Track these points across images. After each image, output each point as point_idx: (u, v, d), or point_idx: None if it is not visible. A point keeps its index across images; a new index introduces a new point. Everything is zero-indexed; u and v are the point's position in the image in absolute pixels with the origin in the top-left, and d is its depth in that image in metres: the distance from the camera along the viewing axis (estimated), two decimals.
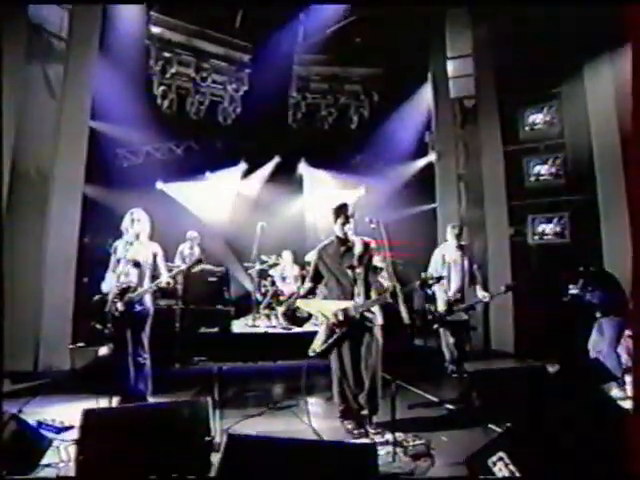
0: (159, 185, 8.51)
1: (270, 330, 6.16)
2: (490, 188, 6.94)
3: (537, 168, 7.16)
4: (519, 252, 7.02)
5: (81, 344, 5.08)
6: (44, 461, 2.37)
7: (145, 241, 3.65)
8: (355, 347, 3.12)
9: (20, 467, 2.18)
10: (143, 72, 7.18)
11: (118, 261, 3.50)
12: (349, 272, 3.15)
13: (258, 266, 6.80)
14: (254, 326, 6.38)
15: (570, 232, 6.84)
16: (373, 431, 2.96)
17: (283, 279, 6.90)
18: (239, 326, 6.57)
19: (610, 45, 6.32)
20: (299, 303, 3.40)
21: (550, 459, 2.03)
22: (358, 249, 3.23)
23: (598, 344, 4.81)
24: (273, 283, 6.89)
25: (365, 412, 3.06)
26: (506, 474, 2.04)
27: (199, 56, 7.41)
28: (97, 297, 3.50)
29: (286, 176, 9.18)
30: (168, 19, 7.00)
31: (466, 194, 7.15)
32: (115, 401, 3.37)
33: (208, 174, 9.15)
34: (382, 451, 2.54)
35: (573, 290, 4.94)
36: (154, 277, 3.57)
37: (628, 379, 4.87)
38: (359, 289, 3.12)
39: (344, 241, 3.24)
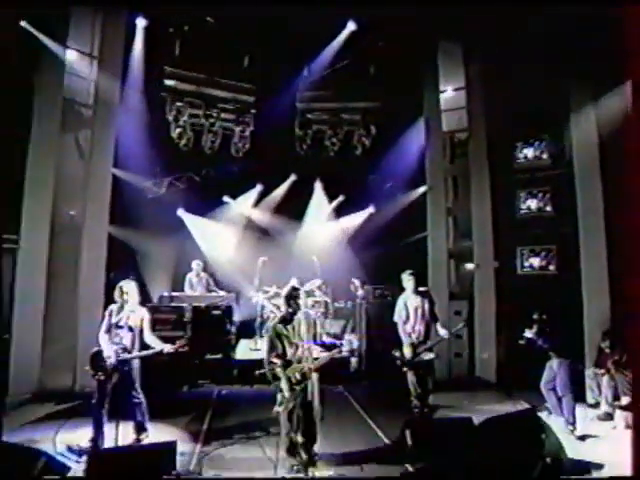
0: (180, 212, 9.72)
1: None
2: (478, 222, 7.45)
3: (527, 201, 7.57)
4: (507, 283, 7.54)
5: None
6: None
7: (135, 308, 4.58)
8: (304, 399, 3.98)
9: None
10: (161, 119, 8.29)
11: (114, 325, 4.46)
12: (296, 342, 4.06)
13: (261, 295, 7.80)
14: (256, 349, 7.41)
15: (556, 265, 7.27)
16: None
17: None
18: (243, 348, 7.64)
19: (596, 86, 6.64)
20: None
21: None
22: (304, 326, 4.11)
23: (549, 383, 5.42)
24: (278, 308, 7.85)
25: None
26: None
27: (208, 102, 8.39)
28: (96, 349, 4.46)
29: (295, 203, 10.10)
30: (180, 71, 8.03)
31: (454, 227, 7.70)
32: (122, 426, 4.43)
33: (226, 199, 10.29)
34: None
35: (528, 334, 5.53)
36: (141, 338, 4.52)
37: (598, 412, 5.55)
38: (306, 354, 4.05)
39: (291, 320, 4.13)
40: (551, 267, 7.32)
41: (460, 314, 7.43)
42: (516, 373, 6.72)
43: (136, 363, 4.53)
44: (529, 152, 7.59)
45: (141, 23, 6.78)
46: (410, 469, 3.85)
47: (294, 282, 7.94)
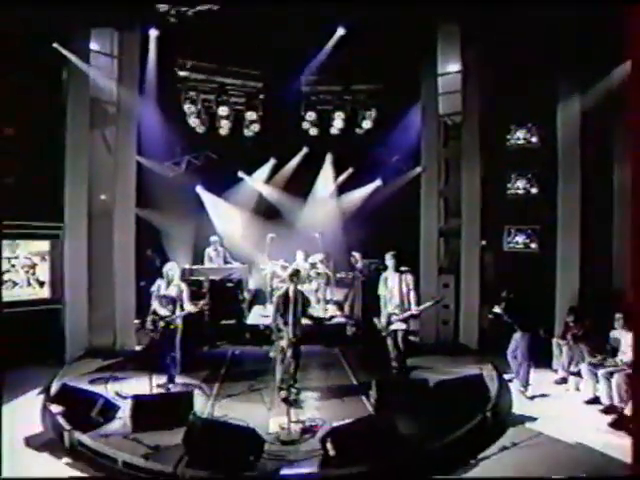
0: (198, 189, 10.98)
1: None
2: (467, 202, 8.29)
3: (517, 182, 8.35)
4: (493, 258, 8.53)
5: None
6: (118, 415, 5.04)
7: (177, 282, 6.10)
8: (294, 351, 5.49)
9: (105, 419, 4.85)
10: (177, 108, 9.32)
11: (162, 296, 5.99)
12: (292, 311, 5.47)
13: (270, 267, 9.11)
14: (266, 315, 8.80)
15: (538, 243, 8.16)
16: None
17: None
18: (255, 313, 9.08)
19: (582, 74, 7.21)
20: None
21: None
22: (300, 299, 5.53)
23: (513, 352, 6.53)
24: (283, 281, 9.16)
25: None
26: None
27: (219, 89, 9.33)
28: (150, 316, 5.98)
29: (304, 178, 11.15)
30: (192, 62, 8.94)
31: (445, 208, 8.62)
32: (155, 378, 5.94)
33: (241, 174, 11.45)
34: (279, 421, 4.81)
35: (496, 310, 6.60)
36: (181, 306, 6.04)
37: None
38: (298, 320, 5.53)
39: (290, 293, 5.53)
40: (533, 245, 8.22)
41: (448, 287, 8.52)
42: (495, 341, 7.84)
43: (178, 326, 6.04)
44: (521, 134, 8.27)
45: (154, 33, 7.71)
46: (371, 412, 5.20)
47: (300, 256, 9.27)
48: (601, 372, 5.75)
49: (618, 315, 6.03)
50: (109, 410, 4.95)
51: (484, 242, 8.34)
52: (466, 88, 8.35)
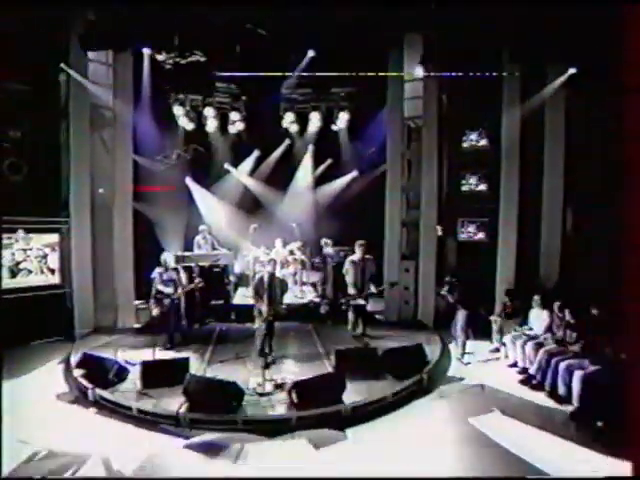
0: (187, 181, 12.24)
1: None
2: (426, 197, 9.70)
3: (470, 180, 9.78)
4: (449, 247, 10.05)
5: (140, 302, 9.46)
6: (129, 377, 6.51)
7: (173, 266, 7.79)
8: (269, 325, 6.96)
9: (119, 379, 6.33)
10: (167, 109, 10.54)
11: (163, 280, 7.60)
12: (268, 291, 6.90)
13: (253, 253, 10.53)
14: (249, 296, 10.26)
15: (485, 234, 9.67)
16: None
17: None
18: (240, 295, 10.55)
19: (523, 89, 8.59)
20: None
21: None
22: (277, 283, 7.01)
23: (455, 326, 8.08)
24: (263, 265, 10.59)
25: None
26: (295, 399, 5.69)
27: (205, 91, 10.52)
28: (158, 295, 7.57)
29: (285, 170, 12.49)
30: (179, 67, 10.05)
31: (407, 202, 10.03)
32: (158, 348, 7.41)
33: (227, 166, 12.70)
34: (257, 380, 6.32)
35: (442, 291, 8.14)
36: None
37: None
38: (275, 298, 6.97)
39: (265, 278, 6.96)
40: (482, 235, 9.72)
41: (408, 271, 10.03)
42: (448, 318, 9.40)
43: (182, 302, 7.88)
44: (474, 137, 9.65)
45: (147, 52, 8.84)
46: (330, 370, 6.75)
47: (279, 244, 10.71)
48: (518, 342, 7.34)
49: (536, 297, 7.59)
50: (122, 373, 6.43)
51: (440, 232, 9.81)
52: (426, 94, 9.65)
